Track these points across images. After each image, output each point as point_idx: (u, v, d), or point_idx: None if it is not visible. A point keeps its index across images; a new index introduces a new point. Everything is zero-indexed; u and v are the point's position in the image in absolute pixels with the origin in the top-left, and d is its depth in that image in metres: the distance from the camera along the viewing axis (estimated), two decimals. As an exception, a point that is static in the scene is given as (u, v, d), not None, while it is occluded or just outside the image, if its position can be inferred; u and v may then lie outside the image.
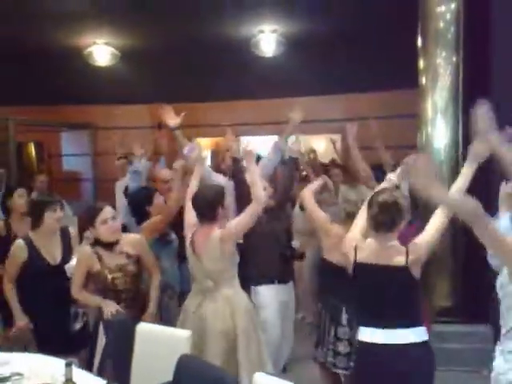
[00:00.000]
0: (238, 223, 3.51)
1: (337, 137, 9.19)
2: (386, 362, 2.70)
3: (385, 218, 2.75)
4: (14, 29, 7.16)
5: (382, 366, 2.72)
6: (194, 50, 8.46)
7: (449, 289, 5.28)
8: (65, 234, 4.10)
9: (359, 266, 2.83)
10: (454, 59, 5.18)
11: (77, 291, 3.68)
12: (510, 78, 4.90)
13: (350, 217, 3.42)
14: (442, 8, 5.14)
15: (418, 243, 2.78)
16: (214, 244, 3.47)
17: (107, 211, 3.64)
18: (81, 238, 7.81)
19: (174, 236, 4.44)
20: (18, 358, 3.10)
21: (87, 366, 3.42)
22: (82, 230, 7.93)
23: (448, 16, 5.14)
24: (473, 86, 5.26)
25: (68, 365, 2.35)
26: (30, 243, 3.89)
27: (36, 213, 3.93)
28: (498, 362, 2.31)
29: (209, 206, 3.55)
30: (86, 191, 9.68)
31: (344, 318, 3.64)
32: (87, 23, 7.32)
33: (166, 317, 4.07)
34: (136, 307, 3.66)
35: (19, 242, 3.92)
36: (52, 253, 3.95)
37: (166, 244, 4.37)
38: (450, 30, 5.17)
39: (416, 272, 2.75)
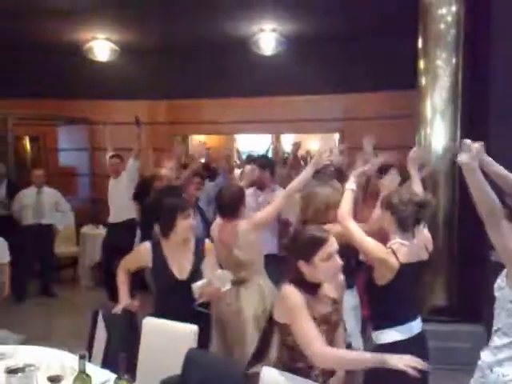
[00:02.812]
0: (263, 214, 3.83)
1: (336, 136, 9.31)
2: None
3: (418, 216, 2.93)
4: (14, 23, 7.15)
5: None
6: (193, 47, 8.50)
7: (444, 288, 5.35)
8: (199, 245, 3.55)
9: (403, 267, 2.91)
10: (454, 61, 5.23)
11: None
12: (509, 81, 4.97)
13: None
14: (443, 10, 5.19)
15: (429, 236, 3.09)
16: (244, 235, 3.72)
17: (333, 243, 2.58)
18: (77, 235, 7.92)
19: None
20: (23, 350, 3.14)
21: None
22: (79, 226, 8.04)
23: (449, 18, 5.19)
24: (472, 87, 5.34)
25: (82, 357, 2.39)
26: (158, 251, 3.51)
27: (167, 218, 3.44)
28: (486, 354, 2.48)
29: (233, 204, 3.81)
30: (82, 187, 9.69)
31: None
32: (88, 18, 7.32)
33: None
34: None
35: (147, 244, 3.60)
36: (181, 265, 3.47)
37: None
38: (450, 32, 5.22)
39: None
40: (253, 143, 14.45)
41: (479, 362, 2.49)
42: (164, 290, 3.48)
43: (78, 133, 9.45)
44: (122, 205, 6.78)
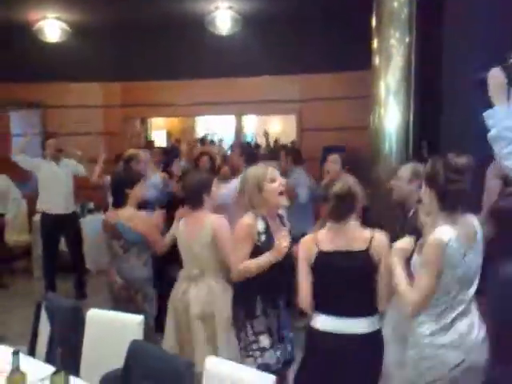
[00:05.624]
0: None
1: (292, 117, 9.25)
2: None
3: (343, 208, 2.76)
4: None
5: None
6: (147, 27, 8.28)
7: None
8: None
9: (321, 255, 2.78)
10: (407, 40, 5.21)
11: None
12: (461, 59, 4.97)
13: None
14: (396, -12, 5.15)
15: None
16: (208, 232, 3.47)
17: None
18: (30, 223, 7.64)
19: None
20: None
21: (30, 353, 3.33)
22: (31, 215, 7.76)
23: (402, -4, 5.16)
24: (425, 66, 5.32)
25: (15, 353, 2.29)
26: None
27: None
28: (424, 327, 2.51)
29: (196, 193, 3.60)
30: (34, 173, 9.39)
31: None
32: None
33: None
34: None
35: None
36: None
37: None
38: (404, 10, 5.18)
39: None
40: (214, 125, 14.35)
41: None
42: None
43: (30, 117, 9.13)
44: (65, 194, 6.50)
